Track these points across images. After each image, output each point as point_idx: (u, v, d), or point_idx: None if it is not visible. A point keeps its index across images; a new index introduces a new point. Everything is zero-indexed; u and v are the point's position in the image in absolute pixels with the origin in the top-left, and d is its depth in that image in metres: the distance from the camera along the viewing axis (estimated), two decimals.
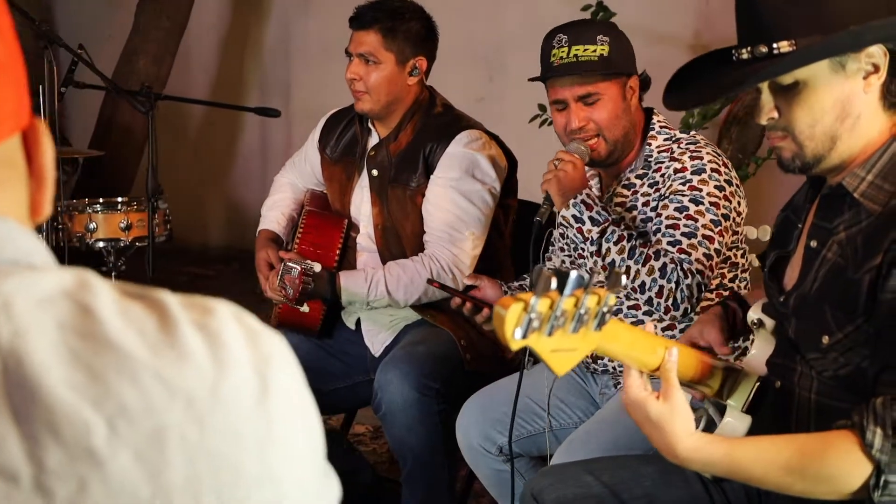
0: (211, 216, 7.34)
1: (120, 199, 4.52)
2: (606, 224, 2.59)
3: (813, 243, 1.89)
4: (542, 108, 4.66)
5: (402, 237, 3.16)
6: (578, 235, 2.63)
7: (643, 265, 2.52)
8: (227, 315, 0.80)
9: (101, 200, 4.53)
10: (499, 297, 2.76)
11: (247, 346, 0.79)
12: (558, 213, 2.68)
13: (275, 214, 3.44)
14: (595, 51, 2.65)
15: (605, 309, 1.48)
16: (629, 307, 2.73)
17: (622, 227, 2.61)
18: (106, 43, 6.43)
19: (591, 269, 2.70)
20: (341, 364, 3.28)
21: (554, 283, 1.36)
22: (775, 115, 1.83)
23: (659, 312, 2.55)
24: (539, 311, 1.39)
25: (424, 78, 3.19)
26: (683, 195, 2.58)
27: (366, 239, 3.24)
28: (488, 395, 2.85)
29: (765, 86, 1.83)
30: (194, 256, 7.20)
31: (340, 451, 3.35)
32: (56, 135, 3.74)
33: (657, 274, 2.50)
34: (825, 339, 1.80)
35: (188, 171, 7.39)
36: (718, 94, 1.99)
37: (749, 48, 1.81)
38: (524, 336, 1.40)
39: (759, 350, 2.06)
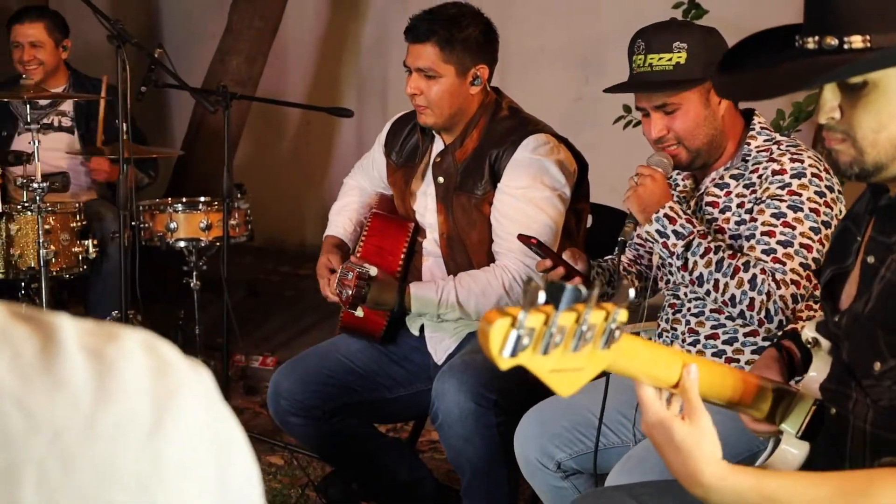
0: (308, 216, 7.34)
1: (202, 199, 4.51)
2: (692, 237, 2.48)
3: (870, 259, 1.72)
4: (626, 109, 4.51)
5: (467, 246, 3.06)
6: (664, 251, 2.53)
7: (732, 277, 2.42)
8: (135, 344, 0.73)
9: (183, 200, 4.53)
10: (587, 272, 2.66)
11: (148, 376, 0.72)
12: (642, 229, 2.56)
13: (341, 220, 3.38)
14: (671, 59, 2.51)
15: (613, 325, 1.35)
16: (711, 310, 2.59)
17: (709, 238, 2.48)
18: (210, 41, 6.46)
19: (674, 282, 2.58)
20: (404, 371, 3.20)
21: (542, 296, 1.23)
22: (837, 115, 1.66)
23: (753, 325, 2.43)
24: (529, 326, 1.26)
25: (488, 82, 3.07)
26: (781, 200, 2.45)
27: (432, 244, 3.16)
28: (547, 409, 2.74)
29: (832, 83, 1.66)
30: (291, 256, 7.21)
31: (404, 460, 3.29)
32: (128, 134, 3.72)
33: (747, 286, 2.40)
34: (877, 366, 1.65)
35: (287, 171, 7.41)
36: (779, 91, 1.82)
37: (816, 38, 1.63)
38: (513, 354, 1.27)
39: (817, 371, 1.90)
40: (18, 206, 4.02)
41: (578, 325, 1.31)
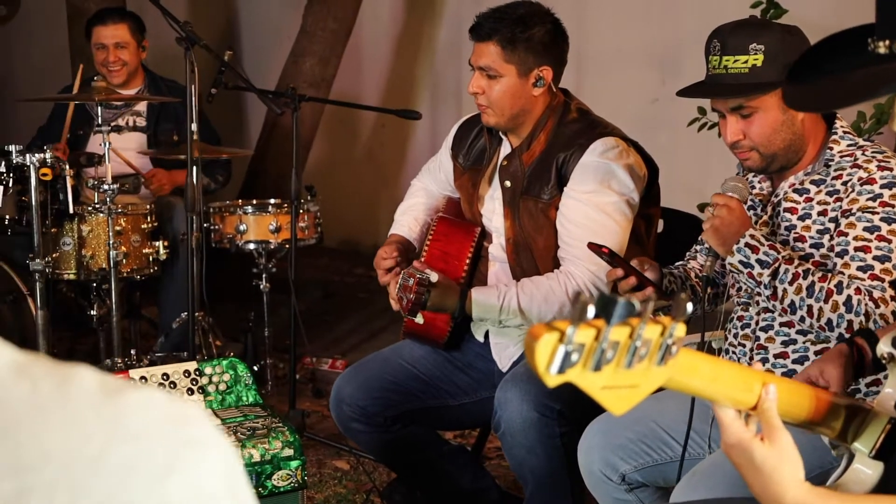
0: (382, 217, 7.32)
1: (272, 202, 4.52)
2: (777, 264, 2.38)
3: None
4: (701, 111, 4.40)
5: (533, 251, 3.00)
6: (750, 281, 2.43)
7: (826, 301, 2.32)
8: (158, 394, 0.77)
9: (254, 202, 4.54)
10: (659, 281, 2.58)
11: (167, 424, 0.75)
12: (724, 261, 2.47)
13: (406, 220, 3.33)
14: (746, 62, 2.41)
15: (670, 341, 1.28)
16: (781, 324, 2.50)
17: (795, 263, 2.38)
18: (287, 43, 6.47)
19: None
20: (468, 378, 3.15)
21: (591, 311, 1.16)
22: None
23: (834, 340, 2.34)
24: (578, 342, 1.19)
25: (554, 84, 2.99)
26: (874, 212, 2.35)
27: (498, 249, 3.09)
28: (612, 419, 2.66)
29: None
30: (365, 258, 7.18)
31: (468, 468, 3.23)
32: (191, 135, 3.73)
33: (843, 309, 2.29)
34: None
35: (361, 173, 7.41)
36: (845, 102, 1.72)
37: (887, 42, 1.54)
38: (561, 371, 1.20)
39: (893, 388, 1.81)
40: (90, 208, 4.04)
41: (632, 340, 1.24)
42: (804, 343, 2.47)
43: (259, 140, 6.20)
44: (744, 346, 2.57)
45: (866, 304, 2.27)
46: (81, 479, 0.69)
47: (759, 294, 2.45)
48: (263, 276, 4.51)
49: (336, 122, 7.07)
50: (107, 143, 3.80)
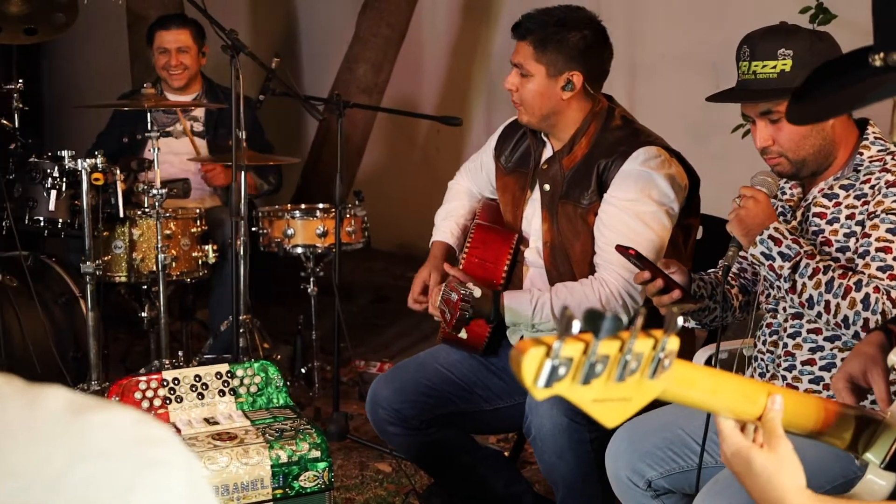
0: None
1: (320, 206, 4.57)
2: (798, 258, 2.38)
3: None
4: (746, 117, 4.36)
5: (570, 256, 3.01)
6: (770, 273, 2.43)
7: (844, 298, 2.31)
8: (125, 414, 0.80)
9: (302, 206, 4.60)
10: (687, 285, 2.58)
11: (131, 444, 0.78)
12: (747, 252, 2.47)
13: (448, 224, 3.36)
14: (775, 67, 2.42)
15: (662, 354, 1.29)
16: (808, 331, 2.48)
17: (817, 258, 2.37)
18: (345, 49, 6.53)
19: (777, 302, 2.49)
20: (503, 383, 3.16)
21: (576, 325, 1.18)
22: None
23: (850, 339, 2.34)
24: (565, 356, 1.20)
25: (591, 90, 3.00)
26: None
27: (534, 254, 3.11)
28: (639, 426, 2.66)
29: None
30: (420, 262, 7.20)
31: (502, 473, 3.25)
32: (236, 141, 3.79)
33: (860, 306, 2.29)
34: None
35: (417, 177, 7.45)
36: (837, 111, 1.72)
37: (882, 54, 1.55)
38: (548, 385, 1.22)
39: None
40: (139, 213, 4.12)
41: (622, 354, 1.25)
42: (831, 350, 2.45)
43: (313, 145, 6.27)
44: (772, 352, 2.56)
45: (884, 303, 2.26)
46: (42, 496, 0.71)
47: (779, 288, 2.44)
48: (311, 279, 4.56)
49: (393, 126, 7.12)
50: (155, 149, 3.87)
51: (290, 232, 4.41)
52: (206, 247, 4.32)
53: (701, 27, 5.91)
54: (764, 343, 2.60)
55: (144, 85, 4.04)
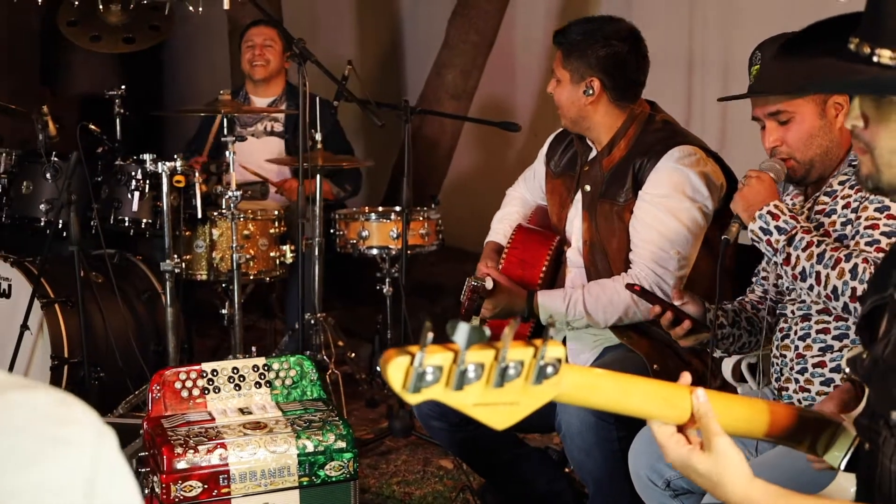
0: None
1: (397, 209, 4.69)
2: (794, 231, 2.43)
3: None
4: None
5: (608, 254, 3.08)
6: (768, 248, 2.49)
7: (833, 268, 2.35)
8: (44, 393, 0.90)
9: (379, 209, 4.73)
10: (701, 315, 2.63)
11: (44, 420, 0.88)
12: (747, 229, 2.53)
13: (502, 227, 3.46)
14: None
15: (543, 361, 1.36)
16: (818, 331, 2.51)
17: (813, 234, 2.42)
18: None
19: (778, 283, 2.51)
20: None
21: (430, 337, 1.27)
22: (860, 123, 1.58)
23: (853, 317, 2.36)
24: (432, 364, 1.29)
25: (616, 97, 3.07)
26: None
27: (575, 254, 3.19)
28: None
29: None
30: None
31: (543, 471, 3.32)
32: (303, 144, 3.94)
33: (848, 276, 2.33)
34: (894, 415, 1.55)
35: (511, 182, 7.52)
36: (777, 90, 1.73)
37: (857, 40, 1.54)
38: (416, 390, 1.31)
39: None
40: (216, 214, 4.31)
41: (497, 361, 1.33)
42: (840, 350, 2.47)
43: (401, 148, 6.38)
44: (784, 356, 2.59)
45: (870, 272, 2.28)
46: None
47: (775, 265, 2.47)
48: (386, 280, 4.69)
49: (489, 130, 7.20)
50: (231, 153, 4.05)
51: (364, 234, 4.55)
52: (284, 247, 4.48)
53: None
54: (777, 347, 2.63)
55: (221, 91, 4.22)
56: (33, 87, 7.95)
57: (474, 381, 1.31)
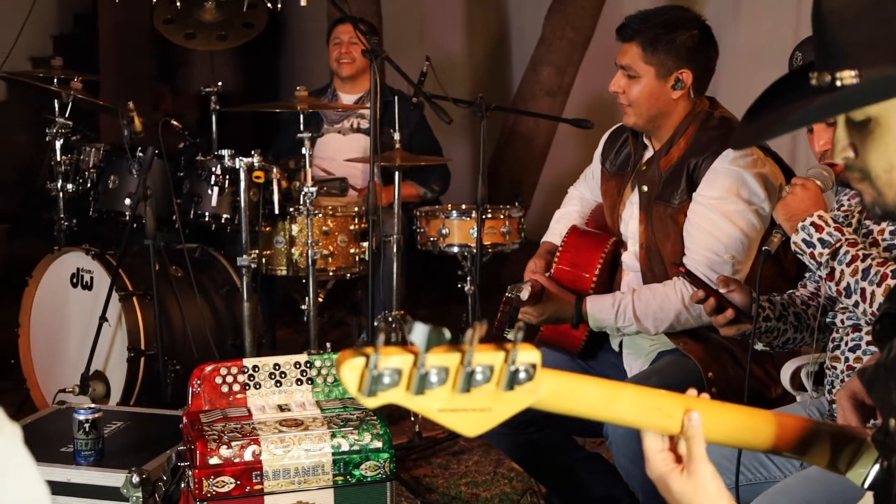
0: None
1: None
2: (839, 244, 2.31)
3: None
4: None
5: (663, 257, 2.98)
6: (812, 262, 2.38)
7: (879, 285, 2.24)
8: None
9: (463, 206, 4.69)
10: (747, 305, 2.53)
11: None
12: (790, 240, 2.42)
13: (559, 227, 3.39)
14: None
15: (514, 367, 1.30)
16: (868, 342, 2.39)
17: (858, 247, 2.30)
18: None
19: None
20: None
21: (382, 338, 1.22)
22: (850, 154, 1.51)
23: None
24: (390, 367, 1.23)
25: (696, 90, 2.96)
26: None
27: (631, 258, 3.10)
28: None
29: (840, 119, 1.52)
30: None
31: (601, 476, 3.24)
32: (374, 142, 3.93)
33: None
34: (892, 423, 1.47)
35: None
36: (770, 133, 1.67)
37: (817, 74, 1.49)
38: (372, 394, 1.26)
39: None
40: (294, 210, 4.32)
41: (464, 366, 1.27)
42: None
43: (497, 145, 6.34)
44: (834, 368, 2.47)
45: None
46: None
47: (820, 278, 2.35)
48: (468, 278, 4.65)
49: (581, 132, 7.10)
50: (307, 150, 4.05)
51: (444, 231, 4.51)
52: (364, 244, 4.47)
53: None
54: (829, 358, 2.51)
55: (297, 88, 4.24)
56: (150, 85, 8.16)
57: (437, 385, 1.26)
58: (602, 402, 1.45)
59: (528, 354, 1.28)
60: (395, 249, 4.35)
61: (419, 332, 1.21)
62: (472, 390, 1.28)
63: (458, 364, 1.26)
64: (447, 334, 1.22)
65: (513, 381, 1.29)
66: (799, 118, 1.53)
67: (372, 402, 1.25)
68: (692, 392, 1.53)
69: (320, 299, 4.78)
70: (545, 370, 1.33)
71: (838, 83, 1.44)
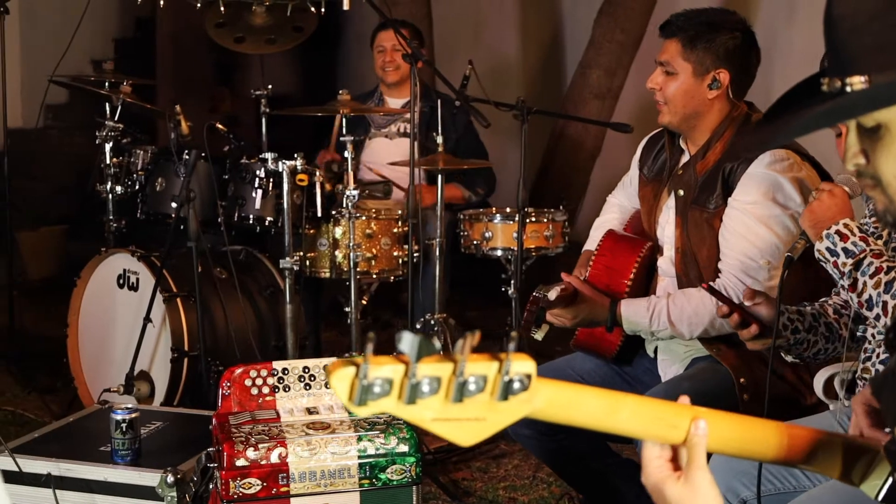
0: None
1: (526, 210, 4.63)
2: (863, 255, 2.27)
3: None
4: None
5: (699, 263, 2.96)
6: (835, 271, 2.34)
7: None
8: None
9: (507, 210, 4.69)
10: (771, 318, 2.50)
11: None
12: (814, 248, 2.38)
13: (598, 235, 3.37)
14: None
15: (507, 377, 1.30)
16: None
17: (883, 258, 2.25)
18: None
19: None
20: (634, 392, 3.12)
21: (370, 348, 1.22)
22: (861, 160, 1.49)
23: None
24: (380, 376, 1.24)
25: (733, 92, 2.93)
26: None
27: (667, 263, 3.08)
28: None
29: (851, 125, 1.50)
30: None
31: (634, 483, 3.20)
32: (413, 145, 3.94)
33: None
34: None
35: None
36: (774, 140, 1.65)
37: (828, 80, 1.47)
38: (362, 403, 1.26)
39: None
40: (337, 213, 4.35)
41: (456, 376, 1.27)
42: None
43: (546, 148, 6.33)
44: (864, 379, 2.43)
45: None
46: None
47: (842, 288, 2.31)
48: (511, 282, 4.64)
49: (637, 132, 7.06)
50: (349, 153, 4.07)
51: (487, 235, 4.51)
52: (407, 246, 4.49)
53: None
54: (860, 369, 2.47)
55: (340, 91, 4.26)
56: (207, 87, 8.24)
57: (429, 395, 1.26)
58: (602, 413, 1.44)
59: (522, 364, 1.27)
60: (437, 253, 4.36)
61: (408, 342, 1.21)
62: (464, 400, 1.28)
63: (451, 374, 1.26)
64: (437, 344, 1.22)
65: (507, 392, 1.29)
66: (801, 125, 1.51)
67: (363, 412, 1.26)
68: (684, 399, 1.52)
69: (364, 301, 4.80)
70: (542, 380, 1.33)
71: (848, 88, 1.42)
